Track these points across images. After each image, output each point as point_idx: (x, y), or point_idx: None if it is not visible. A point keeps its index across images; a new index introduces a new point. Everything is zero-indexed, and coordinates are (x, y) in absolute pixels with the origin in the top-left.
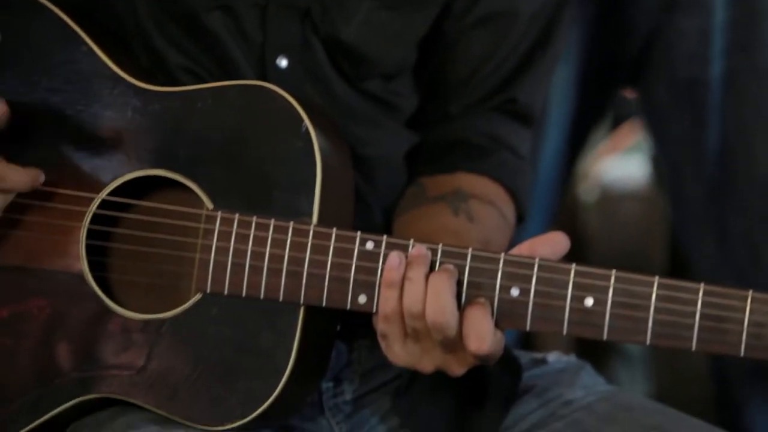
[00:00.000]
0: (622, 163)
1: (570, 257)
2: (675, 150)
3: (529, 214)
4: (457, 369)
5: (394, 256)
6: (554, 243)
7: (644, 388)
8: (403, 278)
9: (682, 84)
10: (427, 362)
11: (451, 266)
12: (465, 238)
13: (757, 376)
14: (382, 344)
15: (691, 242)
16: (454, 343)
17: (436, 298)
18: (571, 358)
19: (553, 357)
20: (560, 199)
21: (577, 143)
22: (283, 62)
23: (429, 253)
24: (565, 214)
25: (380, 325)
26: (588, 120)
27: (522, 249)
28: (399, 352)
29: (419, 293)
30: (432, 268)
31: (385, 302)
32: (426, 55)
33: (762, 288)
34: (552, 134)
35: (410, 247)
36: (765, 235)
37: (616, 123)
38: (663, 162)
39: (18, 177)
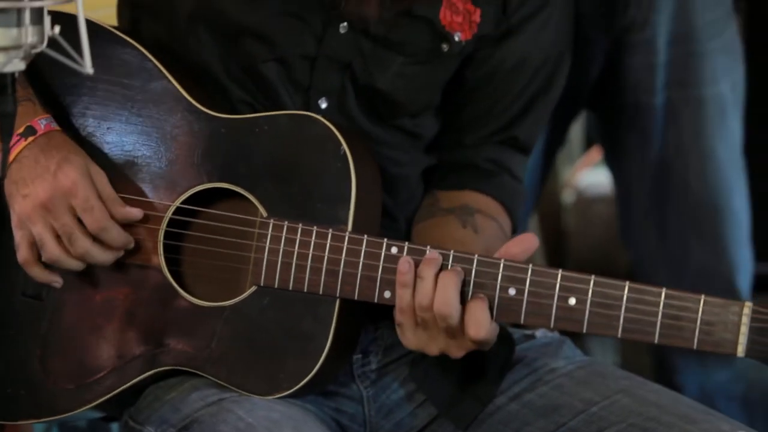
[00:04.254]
0: (593, 174)
1: (553, 248)
2: (624, 165)
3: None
4: (457, 352)
5: (404, 262)
6: (524, 242)
7: (613, 359)
8: (416, 277)
9: (630, 108)
10: (433, 346)
11: (458, 268)
12: (470, 246)
13: (683, 349)
14: (398, 331)
15: (636, 240)
16: (456, 331)
17: (443, 293)
18: (555, 334)
19: (540, 333)
20: (537, 203)
21: (548, 158)
22: (324, 104)
23: (440, 257)
24: (550, 214)
25: (397, 317)
26: (557, 137)
27: (500, 252)
28: (411, 337)
29: (429, 289)
30: (443, 270)
31: (400, 299)
32: (448, 96)
33: (693, 278)
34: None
35: (426, 251)
36: (695, 232)
37: (589, 144)
38: (613, 175)
39: (101, 257)
